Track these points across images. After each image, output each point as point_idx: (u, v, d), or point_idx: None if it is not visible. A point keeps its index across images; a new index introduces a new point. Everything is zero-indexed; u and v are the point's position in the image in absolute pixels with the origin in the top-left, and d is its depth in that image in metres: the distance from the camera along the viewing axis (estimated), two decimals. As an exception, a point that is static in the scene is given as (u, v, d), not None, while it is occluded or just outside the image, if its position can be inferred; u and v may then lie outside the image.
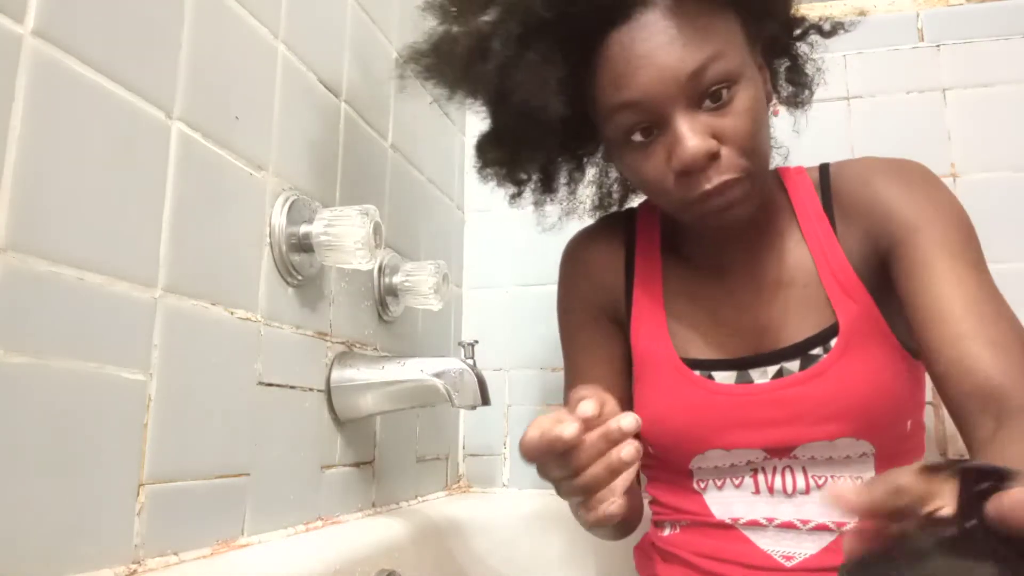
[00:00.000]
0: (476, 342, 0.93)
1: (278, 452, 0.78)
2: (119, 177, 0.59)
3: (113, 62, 0.58)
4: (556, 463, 0.54)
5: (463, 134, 1.44)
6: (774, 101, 0.76)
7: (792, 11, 0.77)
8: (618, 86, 0.68)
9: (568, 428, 0.50)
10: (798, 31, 0.78)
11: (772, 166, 0.82)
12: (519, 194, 0.84)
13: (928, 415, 1.13)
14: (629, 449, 0.53)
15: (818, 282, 0.76)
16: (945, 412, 1.10)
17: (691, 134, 0.66)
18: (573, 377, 0.89)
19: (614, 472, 0.53)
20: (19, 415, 0.49)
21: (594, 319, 0.88)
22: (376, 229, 0.80)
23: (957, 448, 1.10)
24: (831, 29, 0.79)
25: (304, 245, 0.80)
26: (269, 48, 0.79)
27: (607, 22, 0.68)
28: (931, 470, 0.51)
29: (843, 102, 1.27)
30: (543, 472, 0.55)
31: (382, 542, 0.85)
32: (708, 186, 0.67)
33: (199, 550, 0.66)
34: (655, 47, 0.66)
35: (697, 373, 0.79)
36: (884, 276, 0.75)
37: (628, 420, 0.53)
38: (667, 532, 0.84)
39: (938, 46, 1.24)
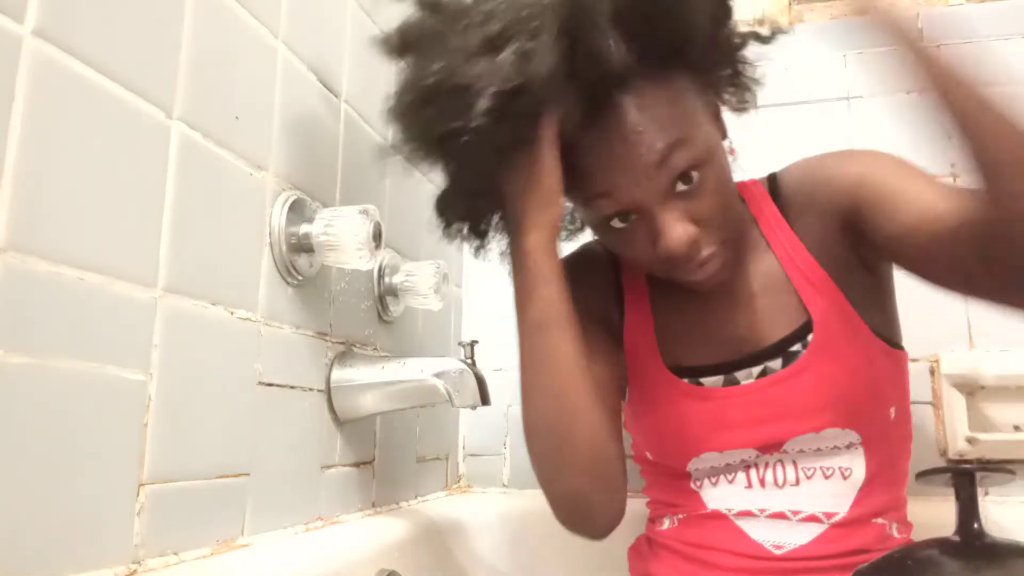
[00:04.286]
0: (476, 342, 0.93)
1: (278, 452, 0.78)
2: (119, 177, 0.59)
3: (113, 62, 0.58)
4: None
5: (463, 134, 1.44)
6: (729, 141, 0.78)
7: (729, 28, 0.77)
8: (590, 179, 0.70)
9: None
10: (737, 42, 0.78)
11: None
12: (483, 246, 0.83)
13: (928, 415, 1.13)
14: None
15: (787, 282, 0.79)
16: (944, 412, 1.10)
17: (673, 224, 0.68)
18: None
19: None
20: (19, 415, 0.49)
21: (591, 319, 0.86)
22: (376, 229, 0.80)
23: (956, 449, 1.10)
24: (770, 35, 0.80)
25: (304, 245, 0.80)
26: (269, 48, 0.79)
27: (570, 120, 0.68)
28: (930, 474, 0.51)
29: (843, 102, 1.27)
30: None
31: (382, 542, 0.85)
32: (691, 264, 0.71)
33: (199, 550, 0.66)
34: (620, 142, 0.67)
35: (685, 380, 0.81)
36: (847, 259, 0.78)
37: None
38: (665, 526, 0.85)
39: (939, 46, 1.24)
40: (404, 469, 1.11)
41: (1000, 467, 0.49)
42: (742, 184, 0.85)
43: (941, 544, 0.50)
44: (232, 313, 0.71)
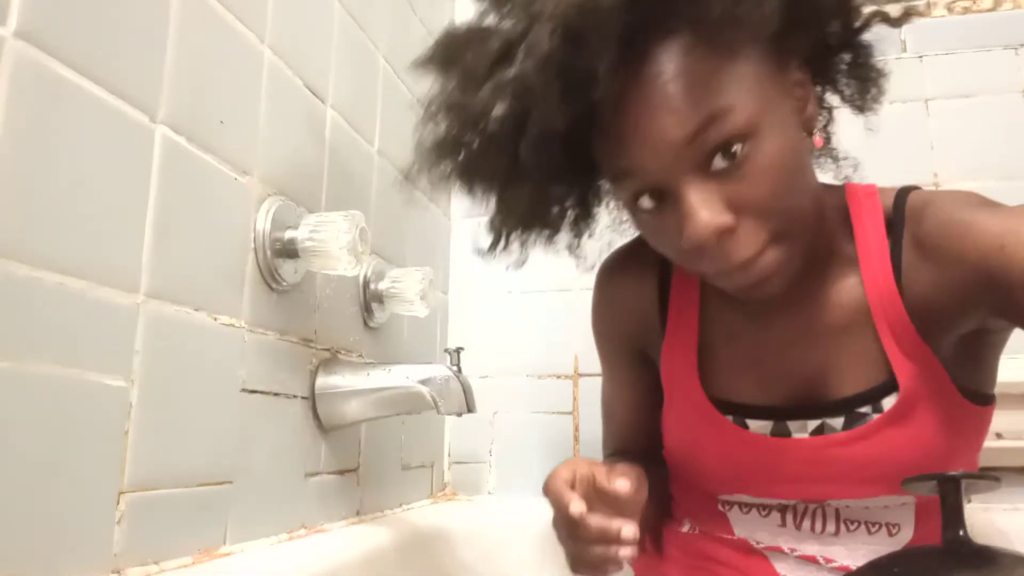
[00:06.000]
0: (462, 349, 0.93)
1: (261, 460, 0.77)
2: (101, 181, 0.58)
3: (97, 65, 0.57)
4: (564, 523, 0.60)
5: (450, 141, 1.43)
6: (816, 130, 0.66)
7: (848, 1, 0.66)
8: (614, 154, 0.59)
9: (575, 507, 0.56)
10: (858, 22, 0.67)
11: (840, 180, 0.74)
12: (552, 237, 0.72)
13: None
14: (628, 531, 0.57)
15: (873, 331, 0.66)
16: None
17: (699, 207, 0.56)
18: (606, 396, 0.89)
19: (611, 544, 0.58)
20: (-3, 422, 0.48)
21: (623, 347, 0.84)
22: (362, 235, 0.80)
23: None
24: (900, 15, 0.68)
25: (289, 251, 0.79)
26: (255, 52, 0.79)
27: (603, 83, 0.55)
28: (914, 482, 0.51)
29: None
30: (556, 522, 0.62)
31: (366, 550, 0.84)
32: (724, 265, 0.58)
33: (180, 559, 0.65)
34: (647, 112, 0.56)
35: (729, 419, 0.71)
36: (953, 324, 0.64)
37: (623, 484, 0.57)
38: (685, 528, 0.81)
39: (921, 57, 1.26)
40: (389, 477, 1.10)
41: (986, 474, 0.49)
42: (853, 188, 0.71)
43: (926, 552, 0.50)
44: (215, 319, 0.71)
